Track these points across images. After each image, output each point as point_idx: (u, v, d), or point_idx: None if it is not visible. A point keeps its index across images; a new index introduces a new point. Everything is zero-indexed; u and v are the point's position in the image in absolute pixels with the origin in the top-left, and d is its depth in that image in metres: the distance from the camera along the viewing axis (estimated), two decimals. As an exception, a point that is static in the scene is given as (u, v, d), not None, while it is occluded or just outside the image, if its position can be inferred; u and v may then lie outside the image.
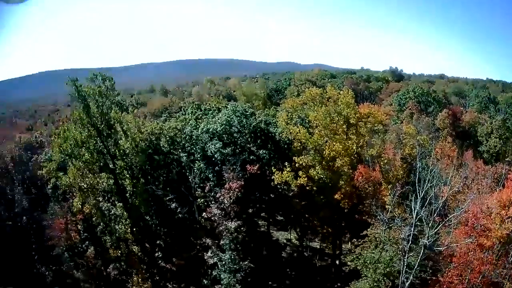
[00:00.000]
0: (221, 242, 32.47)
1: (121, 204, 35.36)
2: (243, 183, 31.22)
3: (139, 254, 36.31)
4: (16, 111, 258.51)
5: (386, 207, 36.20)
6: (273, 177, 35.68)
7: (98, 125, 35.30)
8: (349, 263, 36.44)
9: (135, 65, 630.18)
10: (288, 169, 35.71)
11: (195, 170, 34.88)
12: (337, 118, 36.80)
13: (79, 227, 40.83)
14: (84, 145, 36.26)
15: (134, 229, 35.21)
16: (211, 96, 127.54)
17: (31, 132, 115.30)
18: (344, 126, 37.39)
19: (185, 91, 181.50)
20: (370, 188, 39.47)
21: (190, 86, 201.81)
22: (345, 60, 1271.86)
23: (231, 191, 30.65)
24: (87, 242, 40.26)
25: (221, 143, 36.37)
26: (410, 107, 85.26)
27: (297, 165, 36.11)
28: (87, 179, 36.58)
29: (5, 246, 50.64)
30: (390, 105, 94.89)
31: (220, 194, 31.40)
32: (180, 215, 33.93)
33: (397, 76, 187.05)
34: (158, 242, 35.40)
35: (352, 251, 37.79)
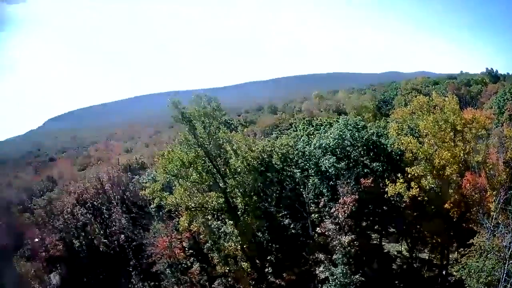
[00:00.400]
0: (334, 256, 33.74)
1: (231, 222, 37.97)
2: (357, 197, 32.34)
3: (248, 270, 38.63)
4: (113, 134, 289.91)
5: (491, 213, 36.06)
6: (386, 189, 36.35)
7: (206, 145, 38.03)
8: (454, 273, 36.51)
9: (239, 84, 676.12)
10: (401, 180, 36.20)
11: (309, 186, 36.27)
12: (444, 126, 36.95)
13: (184, 244, 44.10)
14: (192, 165, 39.44)
15: (245, 245, 37.65)
16: (321, 111, 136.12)
17: (130, 154, 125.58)
18: (451, 133, 37.38)
19: (294, 107, 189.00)
20: (476, 195, 39.32)
21: (298, 102, 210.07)
22: (445, 65, 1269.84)
23: (345, 206, 31.93)
24: (192, 259, 43.44)
25: (335, 157, 37.56)
26: (508, 109, 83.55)
27: (409, 175, 36.47)
28: (195, 198, 39.38)
29: (100, 263, 56.29)
30: (490, 108, 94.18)
31: (334, 209, 32.70)
32: (293, 231, 35.80)
33: (493, 77, 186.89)
34: (269, 257, 37.46)
35: (458, 260, 37.91)
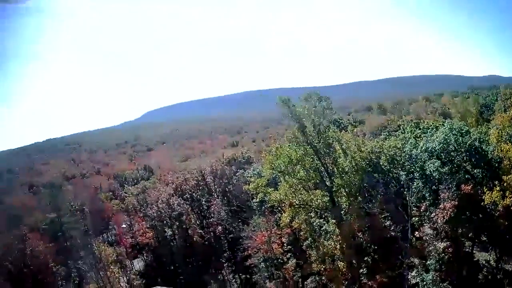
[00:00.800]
0: (427, 262, 43.59)
1: (334, 220, 50.05)
2: (456, 203, 42.02)
3: (343, 270, 50.14)
4: (218, 127, 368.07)
5: None
6: (483, 197, 44.05)
7: (315, 144, 50.40)
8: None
9: (348, 83, 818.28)
10: (497, 188, 43.57)
11: (413, 189, 46.46)
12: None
13: (283, 240, 57.44)
14: (299, 162, 52.07)
15: (344, 245, 49.43)
16: (428, 114, 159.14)
17: (235, 148, 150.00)
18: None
19: (402, 109, 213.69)
20: None
21: (406, 103, 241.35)
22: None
23: (445, 211, 41.78)
24: (289, 255, 56.38)
25: (439, 161, 46.87)
26: None
27: (505, 184, 43.80)
28: (300, 195, 51.67)
29: (192, 252, 71.82)
30: None
31: (434, 214, 42.78)
32: (392, 233, 46.57)
33: None
34: (365, 258, 48.55)
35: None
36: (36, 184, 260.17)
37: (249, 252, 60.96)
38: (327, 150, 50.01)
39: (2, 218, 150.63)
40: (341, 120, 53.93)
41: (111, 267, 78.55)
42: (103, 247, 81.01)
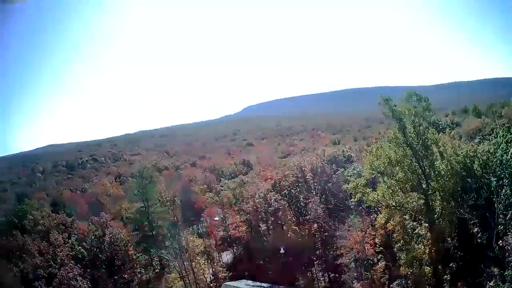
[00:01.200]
0: (505, 272, 53.79)
1: (426, 224, 62.63)
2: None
3: (429, 275, 62.44)
4: (320, 124, 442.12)
5: None
6: None
7: (414, 145, 62.65)
8: None
9: (447, 83, 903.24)
10: None
11: (501, 196, 56.79)
12: None
13: (376, 241, 71.16)
14: (399, 164, 64.67)
15: (433, 249, 61.78)
16: None
17: (336, 146, 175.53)
18: None
19: (495, 112, 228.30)
20: None
21: (498, 106, 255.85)
22: None
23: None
24: (379, 256, 69.87)
25: None
26: None
27: None
28: (397, 197, 64.13)
29: (284, 248, 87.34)
30: None
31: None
32: (478, 241, 57.92)
33: None
34: (450, 264, 60.28)
35: None
36: (124, 174, 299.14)
37: (341, 251, 75.59)
38: (425, 152, 62.66)
39: (83, 205, 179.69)
40: (439, 121, 65.24)
41: (197, 258, 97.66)
42: (191, 238, 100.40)
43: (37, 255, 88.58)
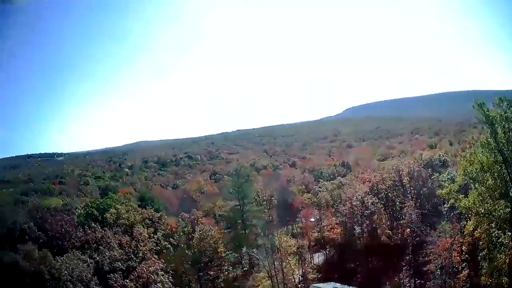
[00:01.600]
0: None
1: (510, 233, 72.59)
2: None
3: (505, 286, 72.33)
4: (418, 128, 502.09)
5: None
6: None
7: (504, 151, 72.74)
8: None
9: None
10: None
11: None
12: None
13: (463, 248, 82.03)
14: (489, 170, 74.89)
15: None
16: None
17: (433, 149, 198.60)
18: None
19: None
20: None
21: None
22: None
23: None
24: (464, 264, 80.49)
25: None
26: None
27: None
28: (486, 204, 73.95)
29: (375, 252, 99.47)
30: None
31: None
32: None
33: None
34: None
35: None
36: (220, 172, 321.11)
37: (430, 257, 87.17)
38: (516, 159, 72.99)
39: (174, 201, 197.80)
40: None
41: (289, 258, 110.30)
42: (285, 238, 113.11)
43: (116, 247, 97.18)
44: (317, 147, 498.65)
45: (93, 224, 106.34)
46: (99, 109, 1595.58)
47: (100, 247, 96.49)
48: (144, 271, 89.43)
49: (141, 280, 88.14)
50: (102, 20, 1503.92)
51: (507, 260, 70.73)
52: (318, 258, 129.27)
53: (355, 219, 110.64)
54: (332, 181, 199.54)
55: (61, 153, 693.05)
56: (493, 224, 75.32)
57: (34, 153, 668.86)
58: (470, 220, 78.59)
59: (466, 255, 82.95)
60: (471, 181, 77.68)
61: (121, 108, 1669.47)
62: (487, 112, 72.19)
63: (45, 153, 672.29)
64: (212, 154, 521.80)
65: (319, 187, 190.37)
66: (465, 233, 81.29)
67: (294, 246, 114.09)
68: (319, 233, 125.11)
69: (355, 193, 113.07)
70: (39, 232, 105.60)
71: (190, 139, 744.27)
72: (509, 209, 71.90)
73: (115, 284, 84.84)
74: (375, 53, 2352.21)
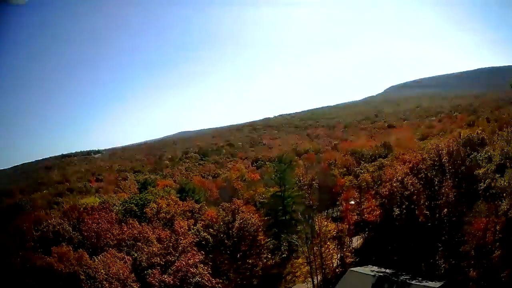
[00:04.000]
0: None
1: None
2: None
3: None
4: (458, 105, 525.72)
5: None
6: None
7: None
8: None
9: None
10: None
11: None
12: None
13: (497, 228, 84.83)
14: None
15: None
16: None
17: (472, 127, 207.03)
18: None
19: None
20: None
21: None
22: None
23: None
24: (497, 244, 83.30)
25: None
26: None
27: None
28: None
29: (413, 233, 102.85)
30: None
31: None
32: None
33: None
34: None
35: None
36: (262, 158, 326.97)
37: (465, 238, 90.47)
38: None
39: (214, 191, 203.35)
40: None
41: (328, 243, 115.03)
42: (325, 222, 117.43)
43: (155, 242, 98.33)
44: (358, 129, 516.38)
45: (130, 221, 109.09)
46: (137, 103, 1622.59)
47: (138, 243, 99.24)
48: (183, 265, 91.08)
49: (179, 274, 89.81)
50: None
51: None
52: (357, 241, 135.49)
53: (394, 200, 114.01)
54: (373, 162, 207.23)
55: (98, 150, 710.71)
56: None
57: (69, 152, 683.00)
58: (505, 200, 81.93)
59: (500, 235, 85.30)
60: (507, 160, 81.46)
61: (160, 99, 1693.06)
62: None
63: (80, 152, 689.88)
64: (254, 141, 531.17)
65: (360, 169, 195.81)
66: (499, 213, 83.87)
67: (333, 231, 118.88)
68: (359, 216, 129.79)
69: (395, 174, 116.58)
70: (74, 232, 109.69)
71: (232, 127, 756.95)
72: None
73: (153, 280, 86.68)
74: (413, 31, 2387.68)
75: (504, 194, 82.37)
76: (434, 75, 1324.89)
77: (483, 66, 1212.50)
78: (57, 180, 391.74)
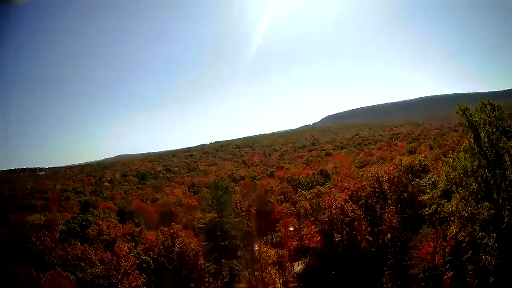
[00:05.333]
0: None
1: (494, 234, 70.73)
2: None
3: (492, 286, 70.55)
4: (397, 133, 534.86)
5: None
6: None
7: (488, 155, 71.67)
8: None
9: None
10: None
11: None
12: None
13: (446, 251, 79.76)
14: (474, 175, 73.45)
15: (498, 261, 69.81)
16: None
17: (413, 154, 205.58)
18: None
19: None
20: None
21: None
22: None
23: None
24: (447, 266, 78.35)
25: None
26: None
27: None
28: (469, 208, 72.99)
29: (356, 259, 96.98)
30: None
31: None
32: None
33: None
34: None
35: None
36: (198, 184, 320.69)
37: (413, 262, 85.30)
38: (497, 162, 71.32)
39: (153, 215, 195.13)
40: (509, 128, 73.17)
41: (269, 268, 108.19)
42: (265, 248, 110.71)
43: (98, 264, 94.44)
44: (295, 157, 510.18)
45: (72, 241, 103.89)
46: (77, 125, 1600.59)
47: (81, 263, 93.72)
48: (127, 287, 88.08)
49: None
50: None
51: (492, 261, 72.58)
52: (299, 266, 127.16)
53: (335, 226, 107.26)
54: (310, 190, 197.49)
55: (43, 167, 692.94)
56: (476, 227, 74.57)
57: (16, 167, 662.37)
58: (453, 224, 78.09)
59: (449, 257, 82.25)
60: (454, 186, 76.68)
61: (100, 122, 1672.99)
62: (470, 118, 73.25)
63: (27, 168, 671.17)
64: (191, 167, 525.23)
65: (298, 196, 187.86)
66: (448, 236, 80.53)
67: (274, 256, 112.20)
68: (299, 242, 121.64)
69: (334, 201, 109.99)
70: (21, 249, 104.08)
71: (169, 152, 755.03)
72: (493, 211, 71.53)
73: None
74: (352, 61, 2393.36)
75: (453, 218, 78.60)
76: (372, 104, 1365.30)
77: (423, 95, 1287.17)
78: (6, 195, 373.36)
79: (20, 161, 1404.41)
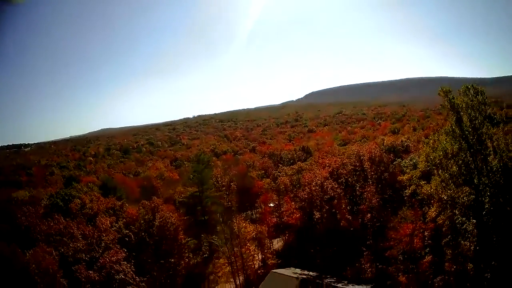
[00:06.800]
0: None
1: (474, 220, 68.61)
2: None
3: (471, 272, 68.73)
4: (381, 113, 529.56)
5: None
6: None
7: (470, 139, 69.48)
8: None
9: (506, 76, 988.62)
10: None
11: None
12: None
13: (425, 234, 77.67)
14: (454, 157, 71.24)
15: (477, 247, 67.79)
16: None
17: (396, 135, 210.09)
18: None
19: None
20: None
21: None
22: None
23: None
24: (427, 249, 76.30)
25: None
26: None
27: None
28: (449, 191, 71.03)
29: (335, 237, 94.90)
30: None
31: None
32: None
33: None
34: (493, 263, 66.23)
35: None
36: (181, 158, 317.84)
37: (391, 243, 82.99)
38: (479, 147, 68.81)
39: (135, 189, 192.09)
40: (494, 115, 71.17)
41: (248, 244, 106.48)
42: (244, 224, 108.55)
43: (80, 238, 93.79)
44: (278, 132, 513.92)
45: (56, 216, 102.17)
46: (62, 99, 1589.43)
47: (64, 238, 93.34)
48: (107, 261, 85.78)
49: (104, 270, 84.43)
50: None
51: (471, 247, 69.20)
52: (278, 243, 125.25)
53: (314, 204, 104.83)
54: (292, 166, 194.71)
55: (28, 143, 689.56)
56: (456, 211, 72.17)
57: (2, 145, 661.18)
58: (432, 207, 76.03)
59: (429, 241, 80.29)
60: (433, 167, 74.01)
61: (84, 96, 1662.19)
62: (453, 100, 69.70)
63: (12, 145, 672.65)
64: (173, 140, 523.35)
65: (279, 172, 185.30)
66: (427, 219, 78.50)
67: (253, 232, 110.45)
68: (278, 219, 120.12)
69: (315, 178, 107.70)
70: (6, 226, 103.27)
71: (152, 126, 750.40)
72: (473, 196, 68.75)
73: (80, 276, 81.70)
74: (339, 38, 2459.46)
75: (432, 201, 76.83)
76: (358, 82, 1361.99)
77: (411, 77, 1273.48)
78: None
79: (5, 138, 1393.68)
